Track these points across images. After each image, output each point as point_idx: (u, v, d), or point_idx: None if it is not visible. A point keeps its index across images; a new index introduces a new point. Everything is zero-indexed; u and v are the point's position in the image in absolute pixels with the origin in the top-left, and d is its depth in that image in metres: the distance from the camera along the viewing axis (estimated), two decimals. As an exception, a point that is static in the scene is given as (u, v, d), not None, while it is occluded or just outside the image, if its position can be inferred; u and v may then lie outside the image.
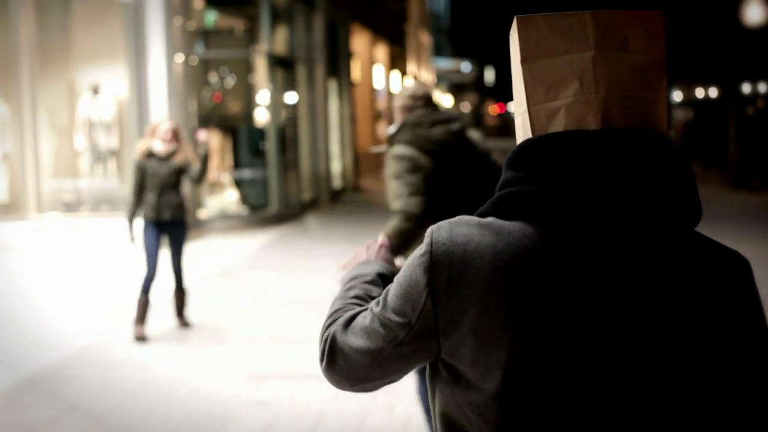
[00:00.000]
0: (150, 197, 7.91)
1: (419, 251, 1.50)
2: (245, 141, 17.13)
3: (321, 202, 19.83)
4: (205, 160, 8.11)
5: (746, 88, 27.88)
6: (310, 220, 17.33)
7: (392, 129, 4.67)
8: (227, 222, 15.71)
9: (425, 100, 4.57)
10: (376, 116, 28.74)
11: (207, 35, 16.83)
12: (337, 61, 22.59)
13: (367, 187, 23.75)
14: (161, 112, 13.25)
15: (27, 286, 10.49)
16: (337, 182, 22.15)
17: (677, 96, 34.26)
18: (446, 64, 58.08)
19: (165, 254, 8.10)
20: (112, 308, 9.09)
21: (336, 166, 22.40)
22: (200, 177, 8.15)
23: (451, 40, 68.07)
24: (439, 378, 1.51)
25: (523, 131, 1.56)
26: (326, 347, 1.60)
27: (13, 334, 8.18)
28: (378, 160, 23.86)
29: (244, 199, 16.87)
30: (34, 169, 14.10)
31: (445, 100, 60.90)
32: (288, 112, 18.56)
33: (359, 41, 26.17)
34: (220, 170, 17.12)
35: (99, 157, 14.33)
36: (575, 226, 1.44)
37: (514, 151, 1.52)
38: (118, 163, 14.29)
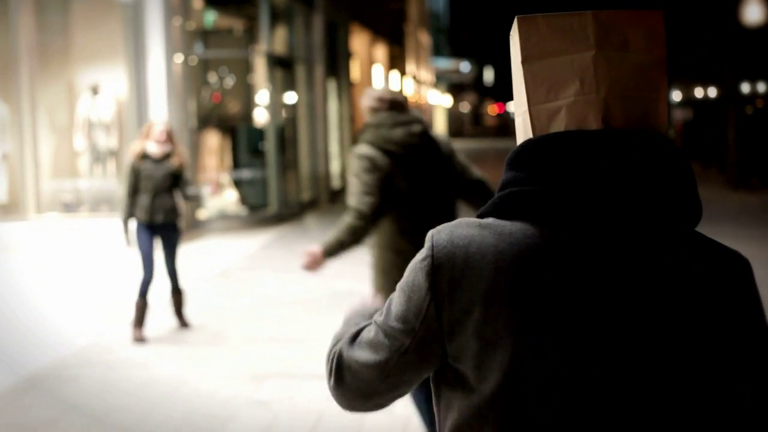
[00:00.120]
0: (143, 199, 7.87)
1: (420, 256, 1.50)
2: (244, 141, 17.12)
3: (320, 202, 19.84)
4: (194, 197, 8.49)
5: (745, 87, 27.88)
6: (310, 220, 17.33)
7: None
8: (226, 222, 15.71)
9: (390, 104, 4.66)
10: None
11: (206, 35, 16.82)
12: (337, 61, 22.59)
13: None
14: (160, 113, 13.25)
15: (27, 286, 10.49)
16: (336, 182, 22.15)
17: (677, 96, 34.24)
18: (445, 63, 58.16)
19: (159, 256, 8.09)
20: (112, 308, 9.09)
21: (335, 166, 22.40)
22: (191, 199, 8.33)
23: (450, 40, 68.16)
24: (445, 383, 1.51)
25: (523, 131, 1.56)
26: (333, 365, 1.59)
27: (13, 334, 8.18)
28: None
29: (244, 200, 16.86)
30: (33, 170, 14.10)
31: (444, 100, 60.95)
32: (287, 112, 18.56)
33: (358, 41, 26.17)
34: (219, 170, 17.11)
35: (98, 157, 14.32)
36: (576, 226, 1.44)
37: (514, 151, 1.52)
38: (118, 163, 14.27)
